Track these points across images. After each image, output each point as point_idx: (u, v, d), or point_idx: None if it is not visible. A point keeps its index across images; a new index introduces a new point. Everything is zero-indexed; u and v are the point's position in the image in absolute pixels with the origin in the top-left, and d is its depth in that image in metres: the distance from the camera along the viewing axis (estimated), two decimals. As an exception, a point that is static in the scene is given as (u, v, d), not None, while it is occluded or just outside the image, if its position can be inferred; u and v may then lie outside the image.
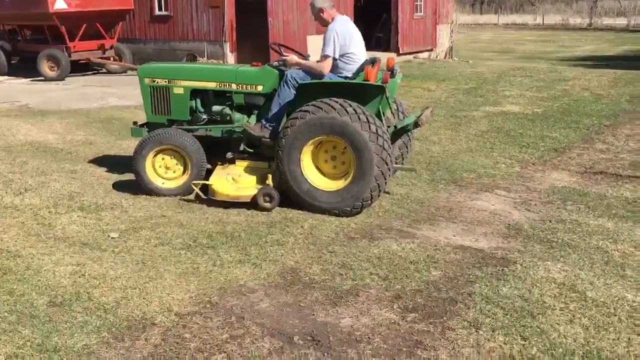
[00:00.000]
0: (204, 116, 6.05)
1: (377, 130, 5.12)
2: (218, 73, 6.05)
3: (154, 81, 6.10)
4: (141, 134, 6.06)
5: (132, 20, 16.33)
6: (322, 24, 5.75)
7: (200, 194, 5.60)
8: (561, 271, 4.29)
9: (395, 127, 5.80)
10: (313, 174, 5.39)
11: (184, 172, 5.83)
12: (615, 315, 3.67)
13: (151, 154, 5.75)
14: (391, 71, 5.64)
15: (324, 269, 4.30)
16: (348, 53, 5.57)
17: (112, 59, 15.35)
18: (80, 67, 15.33)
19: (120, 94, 12.25)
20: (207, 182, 5.60)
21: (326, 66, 5.54)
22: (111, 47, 15.31)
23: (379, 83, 5.39)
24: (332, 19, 5.66)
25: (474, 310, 3.72)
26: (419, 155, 7.60)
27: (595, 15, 42.91)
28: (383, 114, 5.63)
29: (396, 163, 5.89)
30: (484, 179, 6.66)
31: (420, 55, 20.37)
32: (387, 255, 4.55)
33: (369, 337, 3.44)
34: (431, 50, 21.16)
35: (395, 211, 5.58)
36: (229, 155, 5.92)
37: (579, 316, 3.66)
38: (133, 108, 10.67)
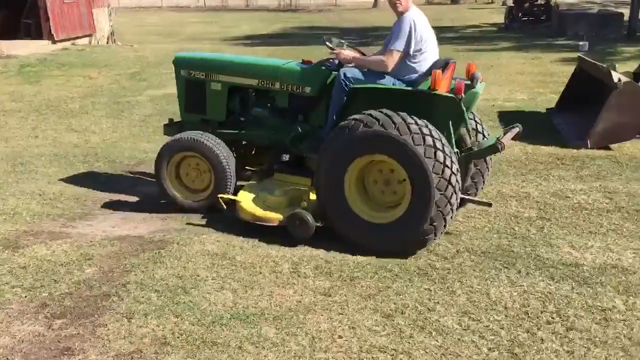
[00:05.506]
0: (242, 118, 5.17)
1: (444, 159, 4.06)
2: (260, 69, 5.11)
3: (190, 73, 5.24)
4: (171, 134, 5.31)
5: None
6: (397, 13, 4.57)
7: (223, 207, 4.76)
8: (215, 242, 4.47)
9: (471, 149, 4.71)
10: (357, 199, 4.36)
11: (208, 185, 5.04)
12: (261, 273, 3.99)
13: (174, 160, 5.06)
14: (471, 79, 4.55)
15: (-48, 295, 3.71)
16: (422, 51, 4.50)
17: None
18: None
19: None
20: (234, 198, 4.73)
21: (391, 63, 4.45)
22: None
23: (451, 94, 4.32)
24: (407, 10, 4.55)
25: (127, 300, 3.64)
26: (75, 149, 7.14)
27: (251, -3, 46.13)
28: (454, 133, 4.53)
29: (468, 194, 4.87)
30: (146, 164, 6.56)
31: (79, 41, 19.11)
32: (34, 262, 4.15)
33: (7, 359, 3.07)
34: (91, 35, 20.05)
35: (47, 212, 5.14)
36: (266, 166, 5.04)
37: (229, 281, 3.87)
38: None
